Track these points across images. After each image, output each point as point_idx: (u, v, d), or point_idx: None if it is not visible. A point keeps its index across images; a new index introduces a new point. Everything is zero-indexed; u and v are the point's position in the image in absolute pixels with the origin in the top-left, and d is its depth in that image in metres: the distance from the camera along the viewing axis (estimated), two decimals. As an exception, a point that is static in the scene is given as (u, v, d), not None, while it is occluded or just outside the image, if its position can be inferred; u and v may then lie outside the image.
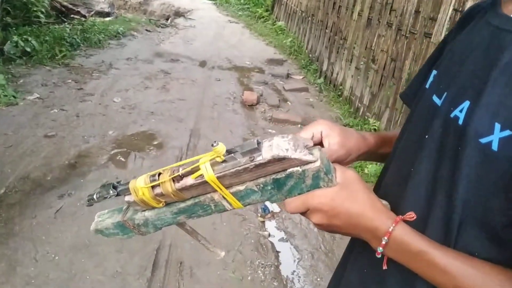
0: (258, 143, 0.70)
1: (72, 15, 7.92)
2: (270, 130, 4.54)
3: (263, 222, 2.99)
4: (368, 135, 0.92)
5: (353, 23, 5.46)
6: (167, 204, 0.79)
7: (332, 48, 6.19)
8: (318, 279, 2.54)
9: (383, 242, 0.65)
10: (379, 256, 0.67)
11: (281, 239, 2.83)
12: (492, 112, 0.59)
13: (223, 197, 0.75)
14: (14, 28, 6.00)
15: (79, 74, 5.55)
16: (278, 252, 2.72)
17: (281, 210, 3.14)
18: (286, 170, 0.70)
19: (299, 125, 4.71)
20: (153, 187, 0.77)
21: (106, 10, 9.78)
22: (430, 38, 3.54)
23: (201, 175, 0.73)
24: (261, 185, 0.72)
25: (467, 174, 0.61)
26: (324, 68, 6.35)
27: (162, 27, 9.25)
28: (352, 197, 0.68)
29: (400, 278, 0.72)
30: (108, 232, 0.87)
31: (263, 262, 2.61)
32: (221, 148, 0.70)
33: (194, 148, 3.94)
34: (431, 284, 0.64)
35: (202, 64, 6.75)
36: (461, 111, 0.63)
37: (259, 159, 0.69)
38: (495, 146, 0.57)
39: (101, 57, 6.42)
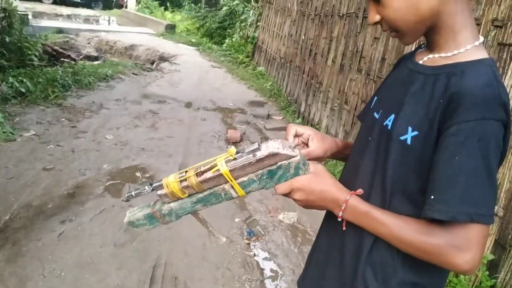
0: (258, 145, 1.07)
1: (62, 59, 8.31)
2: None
3: (248, 244, 3.30)
4: (338, 140, 1.30)
5: (327, 68, 5.98)
6: (189, 196, 1.10)
7: (309, 91, 6.70)
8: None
9: (342, 208, 1.01)
10: (340, 219, 1.03)
11: (265, 258, 3.14)
12: (407, 121, 0.98)
13: (232, 186, 1.07)
14: (9, 70, 6.35)
15: (72, 113, 5.88)
16: (262, 269, 3.02)
17: (265, 234, 3.46)
18: (277, 163, 1.05)
19: (279, 161, 5.08)
20: (181, 181, 1.10)
21: (94, 54, 10.23)
22: (394, 81, 4.03)
23: (217, 169, 1.07)
24: (259, 175, 1.06)
25: (393, 161, 0.99)
26: (302, 109, 6.83)
27: (148, 71, 9.69)
28: (322, 180, 1.05)
29: (354, 243, 1.07)
30: (138, 223, 1.17)
31: (249, 277, 2.91)
32: (233, 149, 1.07)
33: (183, 180, 4.25)
34: (376, 237, 1.00)
35: (188, 105, 7.16)
36: (389, 120, 1.03)
37: (259, 154, 1.05)
38: (409, 141, 0.96)
39: (91, 98, 6.77)
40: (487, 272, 2.76)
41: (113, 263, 2.89)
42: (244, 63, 11.25)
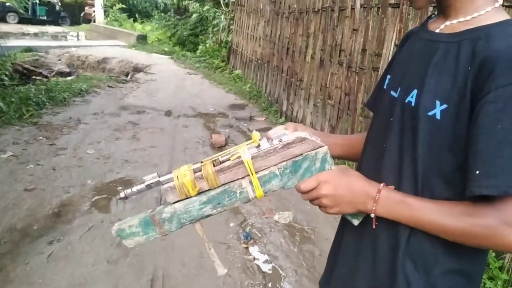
0: (285, 130, 0.99)
1: (34, 77, 8.09)
2: (241, 168, 4.80)
3: (246, 248, 3.20)
4: (338, 139, 1.25)
5: (307, 65, 5.94)
6: (199, 194, 0.96)
7: (289, 89, 6.65)
8: (304, 292, 2.76)
9: (376, 198, 0.92)
10: (373, 215, 0.94)
11: (266, 261, 3.05)
12: (433, 94, 0.90)
13: (250, 182, 0.96)
14: (-21, 92, 6.11)
15: (49, 131, 5.68)
16: (264, 272, 2.93)
17: (262, 236, 3.37)
18: (302, 154, 0.96)
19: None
20: (194, 172, 0.96)
21: (66, 70, 9.99)
22: (378, 71, 4.00)
23: (238, 156, 0.96)
24: (282, 168, 0.96)
25: (423, 140, 0.91)
26: (284, 108, 6.77)
27: (123, 83, 9.51)
28: (350, 174, 0.98)
29: (388, 237, 0.98)
30: (130, 231, 0.99)
31: (251, 282, 2.81)
32: (257, 134, 0.98)
33: (171, 189, 4.13)
34: (412, 230, 0.92)
35: (168, 113, 7.02)
36: (412, 97, 0.94)
37: (286, 139, 0.96)
38: (438, 116, 0.88)
39: (68, 114, 6.57)
40: (493, 254, 2.73)
41: (108, 281, 2.75)
42: (220, 67, 11.15)
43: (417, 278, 0.93)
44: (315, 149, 0.96)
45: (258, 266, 2.99)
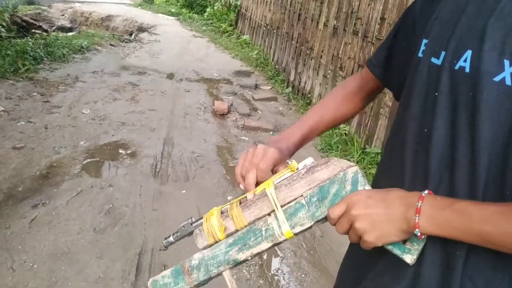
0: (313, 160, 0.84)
1: (33, 30, 7.75)
2: (243, 138, 4.58)
3: (243, 224, 3.00)
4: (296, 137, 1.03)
5: (319, 33, 5.61)
6: (227, 237, 0.86)
7: (298, 58, 6.33)
8: (303, 275, 2.56)
9: (418, 205, 0.68)
10: (418, 231, 0.69)
11: (263, 239, 2.85)
12: (498, 52, 0.66)
13: (275, 217, 0.81)
14: (-27, 42, 5.83)
15: (44, 87, 5.42)
16: (261, 251, 2.73)
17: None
18: (330, 178, 0.79)
19: (271, 132, 4.78)
20: (222, 212, 0.88)
21: (68, 25, 9.63)
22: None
23: (263, 189, 0.84)
24: (308, 197, 0.79)
25: (487, 115, 0.67)
26: (292, 78, 6.47)
27: (126, 42, 9.18)
28: (385, 189, 0.76)
29: (438, 255, 0.75)
30: (162, 282, 0.92)
31: (247, 262, 2.61)
32: (294, 164, 0.84)
33: (168, 156, 3.92)
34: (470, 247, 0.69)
35: (170, 76, 6.74)
36: (465, 61, 0.70)
37: (310, 164, 0.83)
38: (508, 81, 0.64)
39: (66, 70, 6.29)
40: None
41: (93, 251, 2.56)
42: (227, 32, 10.76)
43: None
44: (343, 170, 0.79)
45: (255, 244, 2.80)
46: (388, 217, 0.71)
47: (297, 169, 0.84)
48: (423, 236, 0.70)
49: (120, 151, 3.91)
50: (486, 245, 0.66)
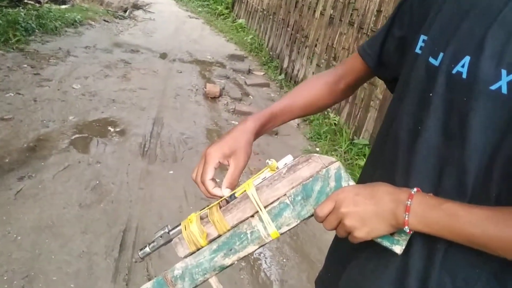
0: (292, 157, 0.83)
1: (26, 0, 7.60)
2: (233, 122, 4.58)
3: (229, 207, 3.03)
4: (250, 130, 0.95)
5: (315, 21, 5.60)
6: (210, 243, 0.83)
7: (293, 46, 6.32)
8: (284, 260, 2.61)
9: (408, 204, 0.70)
10: (407, 228, 0.71)
11: (247, 223, 2.89)
12: (496, 61, 0.67)
13: (260, 219, 0.79)
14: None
15: (35, 60, 5.35)
16: (244, 235, 2.77)
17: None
18: (312, 175, 0.78)
19: (261, 118, 4.78)
20: (201, 218, 0.85)
21: (62, -2, 9.47)
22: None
23: (244, 191, 0.81)
24: (292, 196, 0.78)
25: (480, 121, 0.68)
26: (285, 65, 6.47)
27: (120, 19, 9.06)
28: (372, 184, 0.77)
29: (420, 247, 0.77)
30: None
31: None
32: (274, 164, 0.82)
33: (157, 136, 3.92)
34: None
35: (163, 56, 6.69)
36: (462, 66, 0.71)
37: (290, 163, 0.81)
38: (504, 90, 0.65)
39: (57, 44, 6.21)
40: None
41: (78, 226, 2.57)
42: (223, 14, 10.67)
43: None
44: (325, 166, 0.78)
45: (239, 227, 2.83)
46: (377, 214, 0.72)
47: (277, 168, 0.82)
48: (411, 232, 0.72)
49: (109, 128, 3.90)
50: (472, 246, 0.68)
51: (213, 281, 0.84)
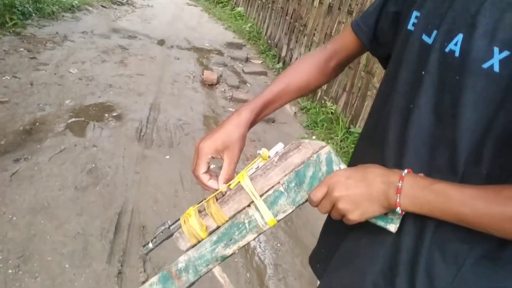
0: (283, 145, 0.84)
1: (23, -16, 7.52)
2: (230, 109, 4.58)
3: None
4: (243, 124, 0.94)
5: (314, 10, 5.58)
6: (210, 234, 0.85)
7: (291, 34, 6.30)
8: (278, 245, 2.63)
9: (399, 186, 0.71)
10: (399, 209, 0.72)
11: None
12: (488, 39, 0.67)
13: (256, 208, 0.80)
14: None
15: (32, 44, 5.32)
16: (239, 219, 2.78)
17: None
18: (304, 162, 0.79)
19: (258, 106, 4.78)
20: (199, 211, 0.87)
21: (59, -18, 9.37)
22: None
23: (238, 182, 0.82)
24: (286, 184, 0.79)
25: (472, 100, 0.69)
26: (283, 54, 6.45)
27: (118, 5, 8.98)
28: (363, 166, 0.77)
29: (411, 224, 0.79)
30: None
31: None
32: (266, 153, 0.84)
33: (154, 122, 3.91)
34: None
35: (161, 42, 6.65)
36: (455, 44, 0.71)
37: (281, 150, 0.82)
38: (496, 68, 0.66)
39: (55, 28, 6.16)
40: None
41: (73, 208, 2.58)
42: (221, 2, 10.60)
43: (444, 271, 0.75)
44: (316, 151, 0.79)
45: (234, 212, 2.85)
46: (369, 196, 0.73)
47: (268, 157, 0.84)
48: (403, 212, 0.73)
49: (106, 113, 3.89)
50: (462, 224, 0.69)
51: (217, 270, 0.87)
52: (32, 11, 6.36)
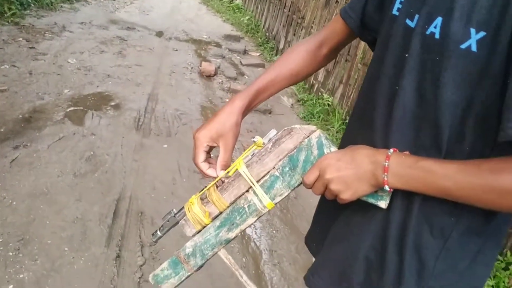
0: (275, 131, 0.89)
1: (21, -26, 7.51)
2: (227, 100, 4.60)
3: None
4: (236, 113, 0.97)
5: (311, 2, 5.60)
6: (213, 220, 0.91)
7: (289, 27, 6.32)
8: (274, 232, 2.68)
9: (385, 165, 0.75)
10: (387, 187, 0.76)
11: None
12: (465, 21, 0.71)
13: (254, 193, 0.85)
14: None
15: (30, 34, 5.33)
16: (236, 207, 2.83)
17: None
18: (296, 146, 0.84)
19: (255, 97, 4.82)
20: (201, 199, 0.93)
21: (57, -27, 9.36)
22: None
23: (236, 169, 0.87)
24: (281, 168, 0.84)
25: (452, 79, 0.73)
26: (281, 46, 6.47)
27: (116, -4, 8.98)
28: (351, 148, 0.82)
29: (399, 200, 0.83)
30: (163, 275, 0.97)
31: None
32: (260, 140, 0.89)
33: (152, 112, 3.95)
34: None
35: (159, 34, 6.67)
36: (435, 27, 0.75)
37: (274, 137, 0.87)
38: (474, 48, 0.70)
39: (53, 19, 6.18)
40: None
41: (72, 194, 2.62)
42: (220, -5, 10.59)
43: (432, 244, 0.80)
44: (307, 136, 0.83)
45: (230, 200, 2.89)
46: (359, 177, 0.78)
47: (263, 144, 0.88)
48: (392, 190, 0.78)
49: (104, 102, 3.92)
50: (447, 198, 0.74)
51: (222, 253, 0.93)
52: (30, 1, 6.37)
